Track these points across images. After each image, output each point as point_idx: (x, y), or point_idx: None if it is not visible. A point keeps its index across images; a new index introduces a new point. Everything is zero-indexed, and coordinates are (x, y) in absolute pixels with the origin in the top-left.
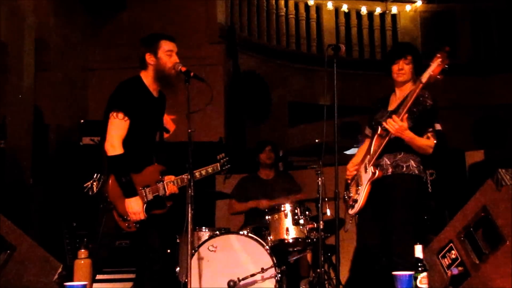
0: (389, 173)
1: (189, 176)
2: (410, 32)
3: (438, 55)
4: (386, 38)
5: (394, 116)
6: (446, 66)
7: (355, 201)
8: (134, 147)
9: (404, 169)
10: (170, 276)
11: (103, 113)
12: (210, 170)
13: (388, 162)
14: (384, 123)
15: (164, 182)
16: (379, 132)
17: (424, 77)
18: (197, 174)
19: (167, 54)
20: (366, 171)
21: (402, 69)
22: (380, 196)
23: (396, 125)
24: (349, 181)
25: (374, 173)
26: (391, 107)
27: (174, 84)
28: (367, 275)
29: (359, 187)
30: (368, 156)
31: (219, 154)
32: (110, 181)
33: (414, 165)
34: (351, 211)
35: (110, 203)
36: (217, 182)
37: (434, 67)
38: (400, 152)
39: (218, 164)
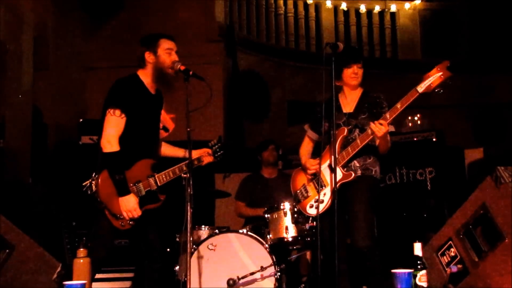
0: (359, 174)
1: (188, 169)
2: (409, 30)
3: (438, 68)
4: (385, 36)
5: (382, 121)
6: (449, 81)
7: (318, 201)
8: (130, 145)
9: (373, 172)
10: (170, 275)
11: (101, 111)
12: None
13: (358, 165)
14: (372, 126)
15: (156, 175)
16: (360, 135)
17: (421, 87)
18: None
19: (167, 52)
20: (332, 172)
21: (357, 73)
22: (342, 194)
23: (384, 129)
24: (308, 177)
25: (348, 176)
26: (346, 109)
27: (172, 83)
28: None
29: (323, 187)
30: (339, 157)
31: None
32: (99, 180)
33: (378, 171)
34: (312, 211)
35: (101, 203)
36: (217, 180)
37: (434, 79)
38: (369, 157)
39: (210, 150)
